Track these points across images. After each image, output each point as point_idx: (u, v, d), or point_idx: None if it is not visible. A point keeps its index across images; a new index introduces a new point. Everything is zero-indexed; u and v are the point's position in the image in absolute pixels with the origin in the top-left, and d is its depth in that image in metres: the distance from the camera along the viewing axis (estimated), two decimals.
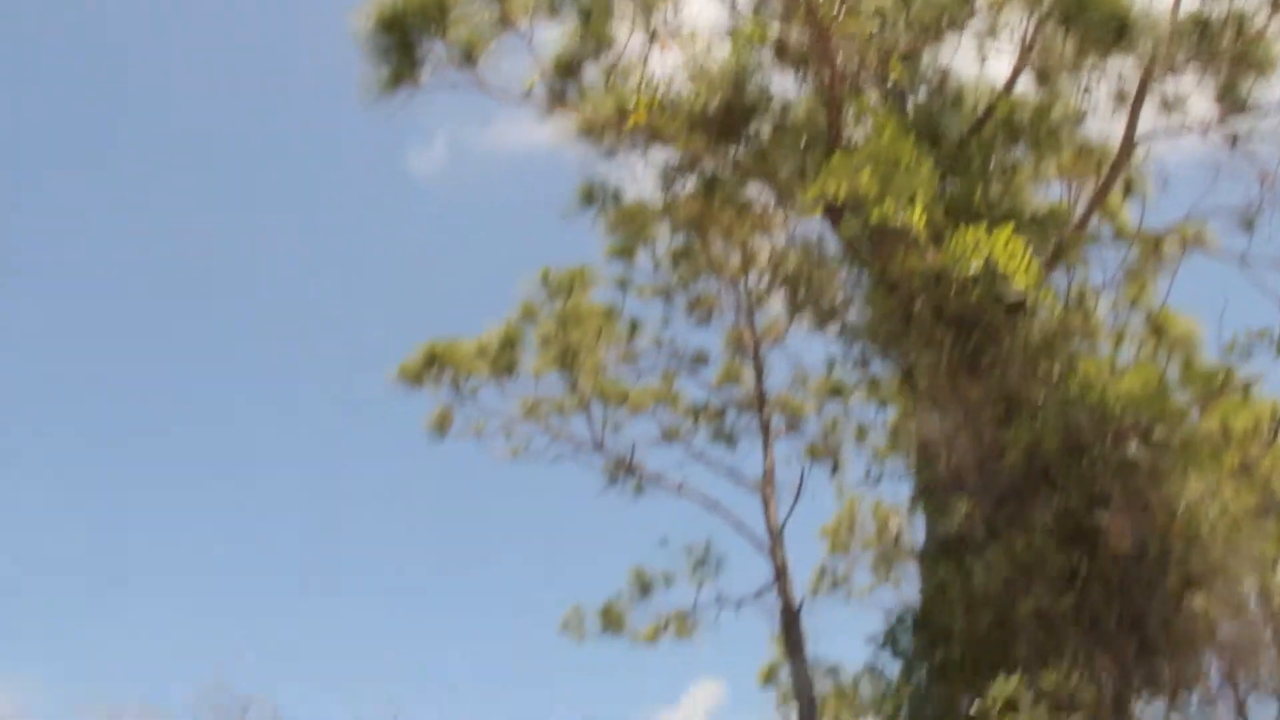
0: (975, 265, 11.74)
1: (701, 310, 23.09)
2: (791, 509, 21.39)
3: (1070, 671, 9.90)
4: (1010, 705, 8.98)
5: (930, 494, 12.97)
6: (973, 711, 9.27)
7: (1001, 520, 12.00)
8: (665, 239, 22.41)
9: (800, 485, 21.81)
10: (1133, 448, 12.70)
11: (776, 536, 20.82)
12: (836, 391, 23.19)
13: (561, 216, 18.26)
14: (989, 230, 11.82)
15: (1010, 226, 11.72)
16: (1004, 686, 9.14)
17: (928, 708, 11.58)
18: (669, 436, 22.74)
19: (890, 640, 12.72)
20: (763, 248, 22.33)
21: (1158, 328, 19.31)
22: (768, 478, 21.66)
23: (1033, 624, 11.38)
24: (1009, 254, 11.50)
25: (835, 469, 23.93)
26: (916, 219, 11.48)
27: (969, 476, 12.11)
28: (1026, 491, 12.18)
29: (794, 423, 23.58)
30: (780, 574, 20.44)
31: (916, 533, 27.03)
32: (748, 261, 22.47)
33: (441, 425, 20.37)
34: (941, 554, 12.25)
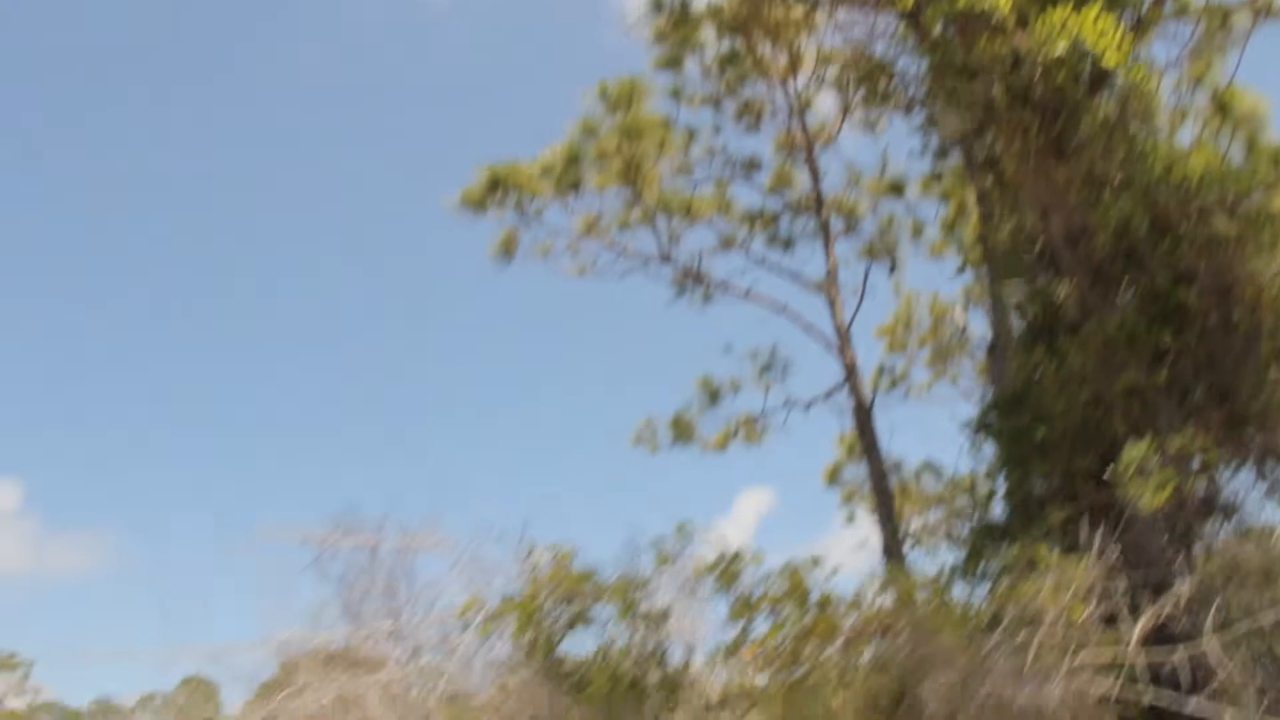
0: (1061, 46, 11.57)
1: (751, 116, 22.82)
2: (857, 308, 21.58)
3: (1195, 436, 10.18)
4: (1140, 469, 9.27)
5: (1021, 280, 13.09)
6: (1105, 476, 9.57)
7: (1092, 301, 12.16)
8: (712, 46, 22.08)
9: (864, 284, 21.95)
10: (1218, 224, 12.69)
11: (844, 335, 21.04)
12: (894, 189, 23.09)
13: (627, 28, 17.87)
14: (1075, 9, 11.61)
15: (1098, 4, 11.50)
16: (1135, 450, 9.42)
17: (1027, 485, 11.94)
18: (727, 244, 22.79)
19: (984, 424, 13.04)
20: (810, 48, 22.01)
21: (1223, 106, 18.94)
22: (831, 278, 21.74)
23: (1126, 400, 11.65)
24: (1098, 31, 11.31)
25: (893, 268, 24.01)
26: (1003, 2, 11.30)
27: (1061, 259, 12.21)
28: (1115, 272, 12.29)
29: (851, 223, 23.55)
30: (850, 372, 20.74)
31: (976, 325, 27.52)
32: (795, 62, 22.14)
33: (508, 248, 20.49)
34: (1034, 338, 12.46)
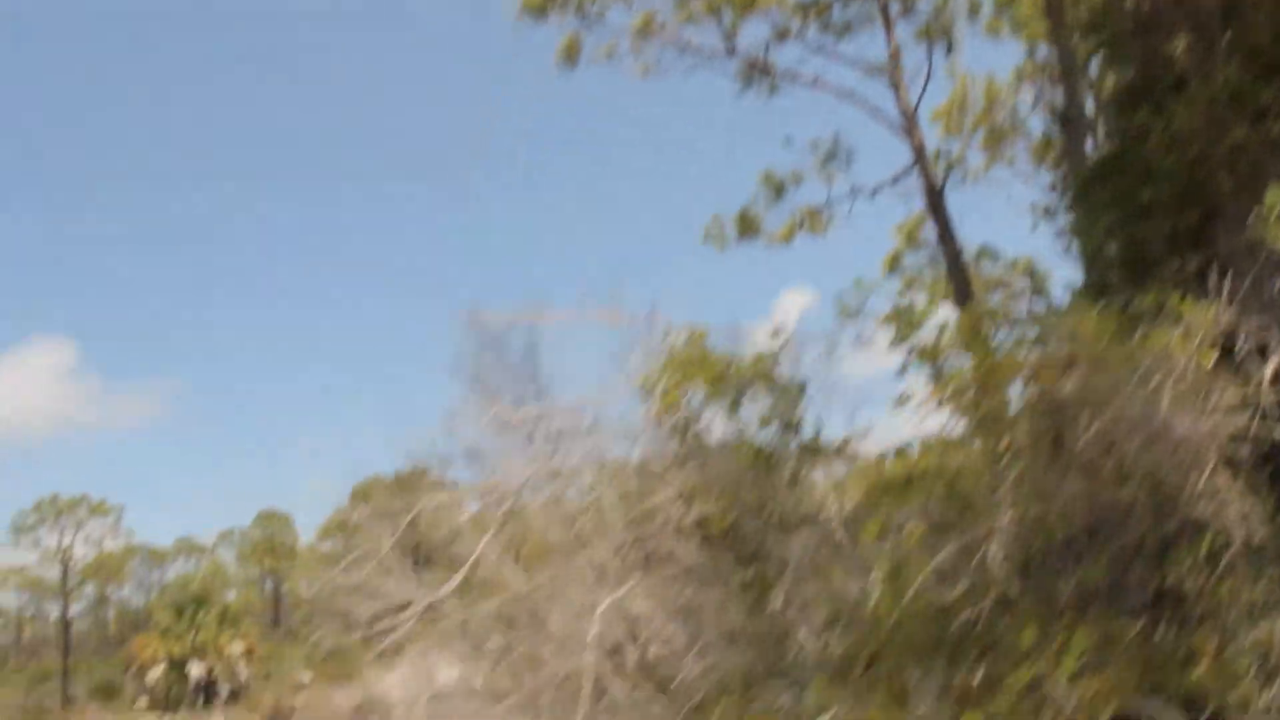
0: None
1: None
2: (922, 90, 21.39)
3: None
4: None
5: (1108, 45, 12.98)
6: (1249, 220, 9.75)
7: (1195, 59, 12.09)
8: None
9: (929, 65, 21.71)
10: None
11: (911, 118, 20.91)
12: None
13: None
14: None
15: None
16: (1278, 194, 9.55)
17: (1128, 250, 12.12)
18: (783, 36, 22.46)
19: (1083, 189, 13.14)
20: None
21: None
22: (894, 62, 21.46)
23: (1232, 157, 11.72)
24: None
25: (949, 49, 23.68)
26: None
27: (1163, 16, 12.10)
28: (1218, 28, 12.18)
29: (907, 4, 23.10)
30: (919, 155, 20.72)
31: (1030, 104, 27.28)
32: None
33: (571, 54, 20.33)
34: (1133, 99, 12.45)
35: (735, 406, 8.59)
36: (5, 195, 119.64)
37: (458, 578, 8.73)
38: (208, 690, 54.39)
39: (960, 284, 20.11)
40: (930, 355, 7.93)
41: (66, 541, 67.29)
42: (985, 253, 28.53)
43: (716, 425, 9.59)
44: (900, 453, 8.68)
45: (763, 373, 9.37)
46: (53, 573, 70.54)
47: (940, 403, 7.97)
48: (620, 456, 9.77)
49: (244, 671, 55.41)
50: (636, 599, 8.38)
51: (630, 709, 7.80)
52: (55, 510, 66.83)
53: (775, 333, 9.95)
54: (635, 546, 9.06)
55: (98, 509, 67.94)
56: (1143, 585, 8.12)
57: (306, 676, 58.31)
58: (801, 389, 9.35)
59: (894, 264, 29.01)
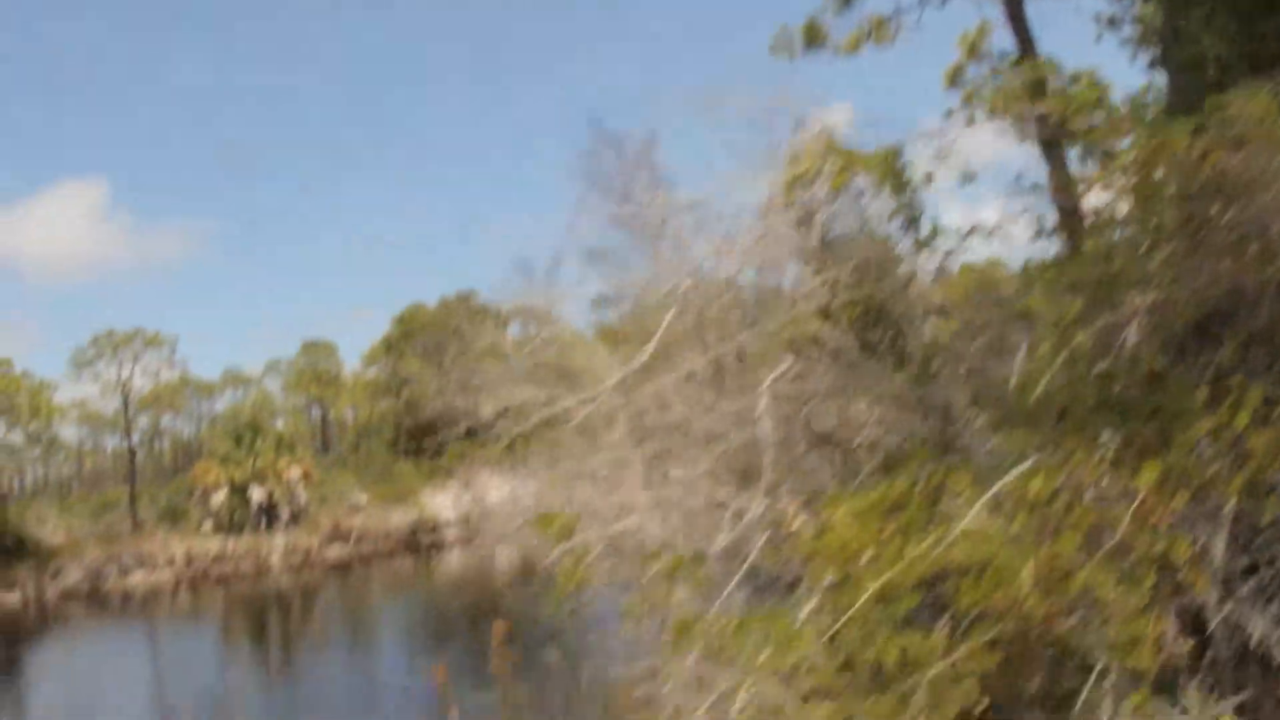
0: None
1: None
2: None
3: None
4: None
5: None
6: None
7: None
8: None
9: None
10: None
11: None
12: None
13: None
14: None
15: None
16: None
17: (1239, 49, 12.12)
18: None
19: None
20: None
21: None
22: None
23: None
24: None
25: None
26: None
27: None
28: None
29: None
30: None
31: None
32: None
33: None
34: None
35: (900, 190, 8.81)
36: (30, 36, 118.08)
37: (615, 379, 9.12)
38: (269, 513, 56.35)
39: (1038, 89, 19.97)
40: (1094, 136, 8.04)
41: (125, 374, 69.01)
42: (1048, 65, 28.16)
43: (851, 215, 9.86)
44: (1054, 233, 8.96)
45: (895, 164, 9.59)
46: (110, 405, 72.55)
47: (1099, 184, 8.23)
48: (753, 247, 10.03)
49: (302, 495, 57.26)
50: (790, 380, 8.80)
51: (808, 474, 8.32)
52: (112, 344, 68.34)
53: (948, 113, 10.09)
54: (778, 334, 9.43)
55: (152, 341, 69.46)
56: (1269, 368, 8.49)
57: (362, 498, 60.29)
58: (933, 178, 9.59)
59: (955, 77, 28.70)
